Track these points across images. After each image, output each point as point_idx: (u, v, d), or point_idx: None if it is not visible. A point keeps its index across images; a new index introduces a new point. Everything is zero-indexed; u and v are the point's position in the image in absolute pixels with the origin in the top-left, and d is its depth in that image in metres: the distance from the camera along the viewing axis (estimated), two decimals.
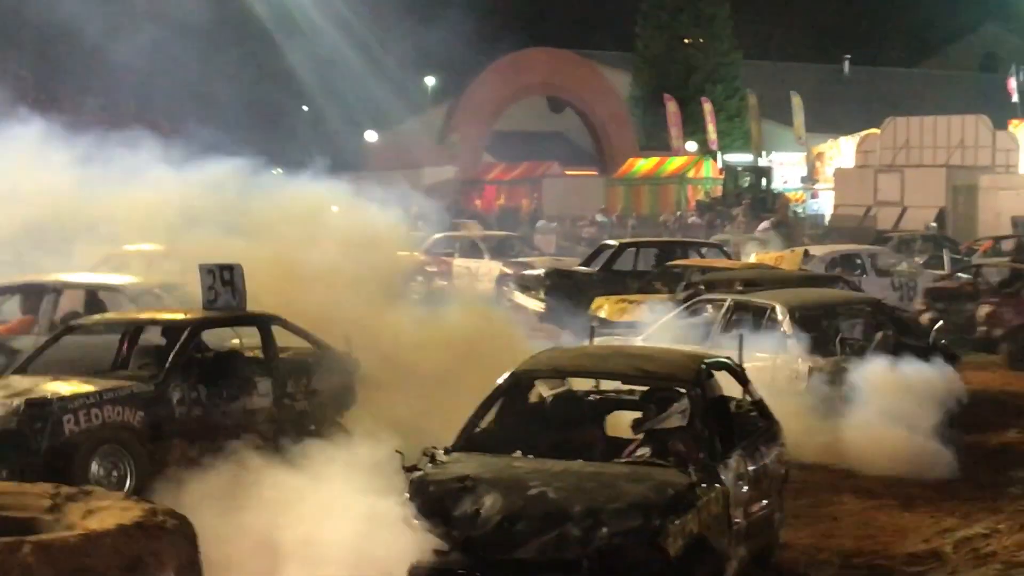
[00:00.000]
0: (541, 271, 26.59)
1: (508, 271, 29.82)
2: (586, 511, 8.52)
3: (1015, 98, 56.61)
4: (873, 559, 10.93)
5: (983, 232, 43.76)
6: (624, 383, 10.98)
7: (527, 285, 26.10)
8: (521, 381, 10.52)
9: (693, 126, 65.90)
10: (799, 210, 57.18)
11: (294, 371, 13.26)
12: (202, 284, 13.23)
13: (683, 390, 10.10)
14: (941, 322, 17.89)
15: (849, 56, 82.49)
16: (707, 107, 64.65)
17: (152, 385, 12.00)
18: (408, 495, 8.97)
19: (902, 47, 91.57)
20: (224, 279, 13.17)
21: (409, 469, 9.22)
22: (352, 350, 13.88)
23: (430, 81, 76.21)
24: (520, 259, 31.01)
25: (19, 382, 12.04)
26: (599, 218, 49.35)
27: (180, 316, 13.16)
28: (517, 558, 8.44)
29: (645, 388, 10.67)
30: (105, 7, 30.07)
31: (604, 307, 21.62)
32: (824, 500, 12.65)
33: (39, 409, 11.17)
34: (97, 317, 14.19)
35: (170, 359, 12.27)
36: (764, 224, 44.68)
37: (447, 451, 9.55)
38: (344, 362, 13.74)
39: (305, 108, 63.90)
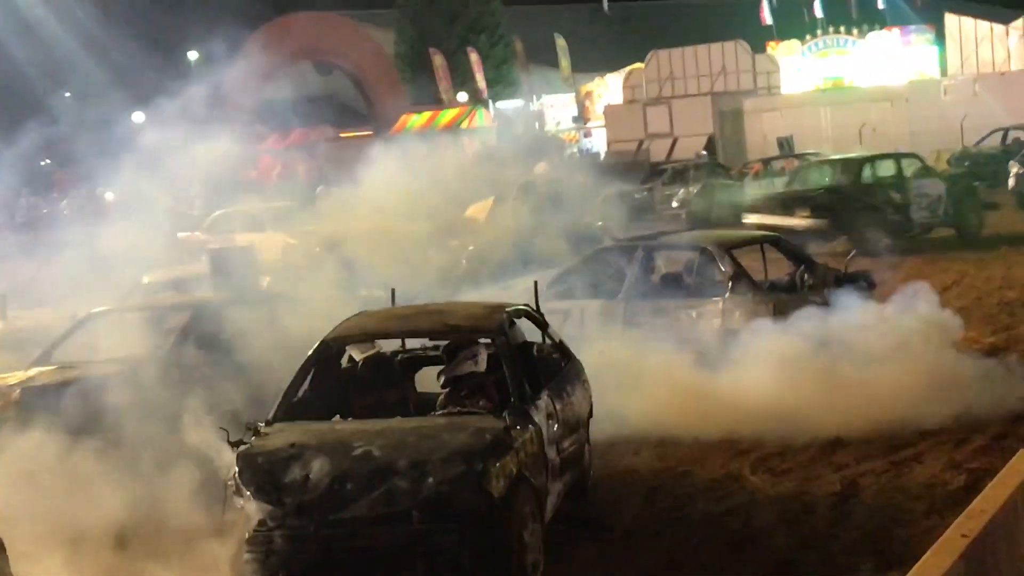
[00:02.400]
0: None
1: (292, 242, 29.64)
2: (411, 464, 8.84)
3: (769, 21, 58.13)
4: (676, 488, 11.32)
5: (752, 155, 45.03)
6: (432, 339, 11.30)
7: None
8: (332, 348, 10.69)
9: (463, 76, 66.14)
10: (575, 150, 57.97)
11: None
12: (210, 268, 14.13)
13: (487, 340, 10.43)
14: (854, 251, 17.78)
15: None
16: (473, 57, 64.95)
17: None
18: (237, 469, 9.11)
19: None
20: (230, 261, 14.14)
21: (235, 444, 9.34)
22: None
23: (193, 55, 74.99)
24: (304, 228, 30.83)
25: None
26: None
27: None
28: (350, 516, 8.69)
29: (447, 342, 10.87)
30: None
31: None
32: (625, 437, 12.90)
33: None
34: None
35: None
36: (541, 166, 45.26)
37: (268, 423, 9.68)
38: None
39: (67, 94, 62.38)
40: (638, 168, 42.45)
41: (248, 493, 8.92)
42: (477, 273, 19.35)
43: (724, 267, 15.16)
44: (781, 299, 14.82)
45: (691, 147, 48.06)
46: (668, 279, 16.08)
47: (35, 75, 53.85)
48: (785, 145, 41.35)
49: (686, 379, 13.19)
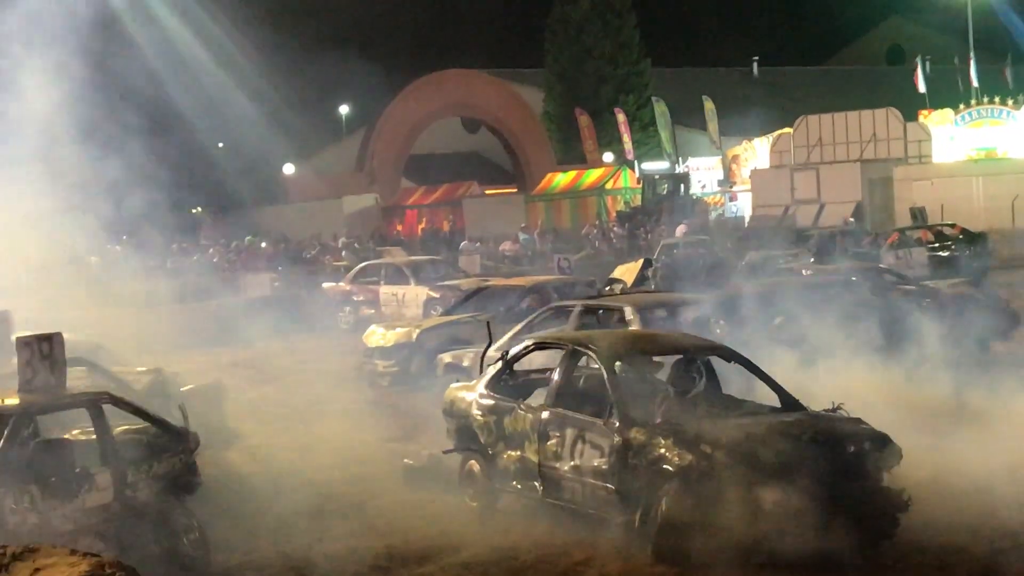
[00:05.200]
0: None
1: (435, 295, 29.88)
2: (858, 446, 11.19)
3: (922, 89, 57.39)
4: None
5: (901, 224, 44.35)
6: (686, 355, 12.98)
7: None
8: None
9: (608, 137, 66.26)
10: (719, 212, 57.68)
11: (133, 456, 11.45)
12: (19, 360, 11.18)
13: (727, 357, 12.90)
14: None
15: (757, 58, 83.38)
16: (620, 118, 65.04)
17: None
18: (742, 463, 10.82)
19: (808, 45, 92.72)
20: (43, 353, 11.17)
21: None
22: (189, 424, 12.22)
23: (344, 109, 76.25)
24: (446, 282, 31.10)
25: None
26: (522, 236, 49.56)
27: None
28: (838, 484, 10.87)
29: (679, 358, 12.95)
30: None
31: None
32: None
33: None
34: None
35: None
36: (681, 229, 45.15)
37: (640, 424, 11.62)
38: (184, 439, 12.03)
39: (220, 144, 63.72)
40: (784, 233, 42.02)
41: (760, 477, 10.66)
42: None
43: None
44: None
45: (838, 214, 47.49)
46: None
47: (190, 124, 55.03)
48: (919, 216, 40.79)
49: None
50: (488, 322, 15.03)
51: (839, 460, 11.06)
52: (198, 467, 12.01)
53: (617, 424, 11.72)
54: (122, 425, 12.06)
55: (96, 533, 10.76)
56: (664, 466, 11.13)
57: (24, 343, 11.17)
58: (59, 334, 11.42)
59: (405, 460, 14.44)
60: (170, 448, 11.75)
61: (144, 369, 16.65)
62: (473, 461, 13.35)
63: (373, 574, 11.34)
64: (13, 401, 11.06)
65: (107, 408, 11.48)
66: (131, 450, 11.53)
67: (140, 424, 11.89)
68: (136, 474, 11.25)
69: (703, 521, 10.69)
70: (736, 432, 11.22)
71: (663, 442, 11.26)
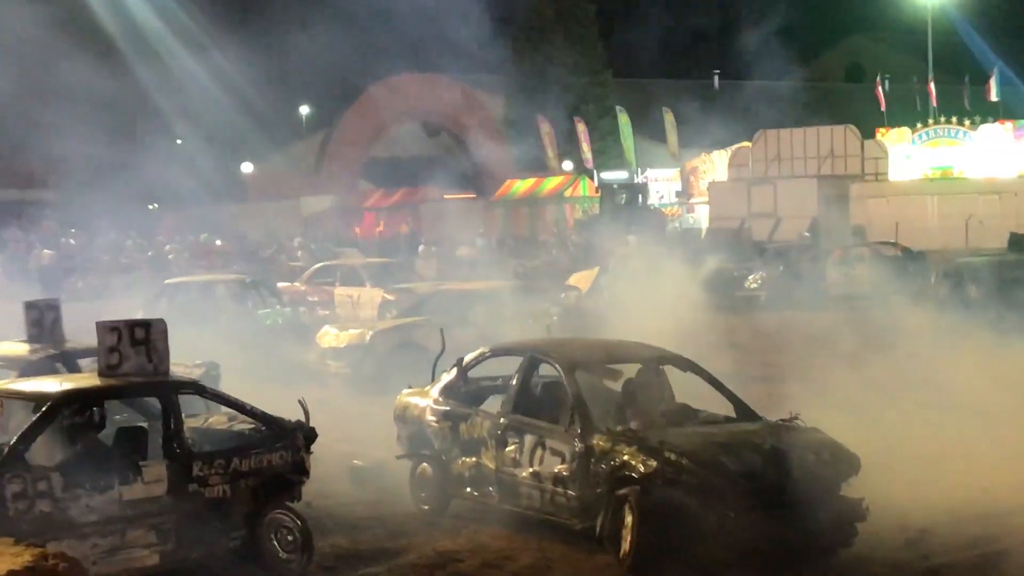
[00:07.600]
0: None
1: (390, 297, 29.83)
2: (817, 456, 11.28)
3: (883, 107, 57.82)
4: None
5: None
6: (642, 364, 13.03)
7: None
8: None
9: (568, 146, 66.35)
10: (677, 224, 57.87)
11: (208, 449, 11.18)
12: (100, 346, 11.03)
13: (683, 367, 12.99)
14: None
15: (718, 71, 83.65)
16: (580, 127, 65.18)
17: None
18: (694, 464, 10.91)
19: (770, 61, 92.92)
20: (135, 338, 10.91)
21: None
22: (309, 419, 11.79)
23: (304, 110, 76.08)
24: (402, 285, 31.06)
25: None
26: (479, 242, 49.55)
27: (38, 389, 10.93)
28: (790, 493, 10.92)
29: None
30: None
31: None
32: None
33: None
34: None
35: (10, 445, 10.17)
36: (632, 238, 45.24)
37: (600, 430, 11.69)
38: (287, 435, 11.49)
39: (179, 141, 63.49)
40: (740, 246, 42.21)
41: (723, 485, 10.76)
42: None
43: None
44: None
45: (794, 228, 47.72)
46: None
47: (148, 120, 54.84)
48: (859, 233, 41.51)
49: None
50: (441, 329, 14.86)
51: (800, 469, 11.05)
52: (307, 465, 11.55)
53: (579, 431, 11.73)
54: (216, 416, 11.99)
55: (151, 526, 10.51)
56: (628, 473, 11.09)
57: (109, 328, 10.92)
58: (161, 320, 11.20)
59: (354, 461, 14.43)
60: (265, 444, 11.33)
61: (199, 362, 16.55)
62: (425, 465, 13.37)
63: (320, 574, 11.32)
64: (55, 385, 10.89)
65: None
66: (208, 443, 11.34)
67: (240, 417, 11.61)
68: (208, 468, 10.86)
69: (667, 528, 10.72)
70: (700, 440, 11.30)
71: (626, 449, 11.22)
